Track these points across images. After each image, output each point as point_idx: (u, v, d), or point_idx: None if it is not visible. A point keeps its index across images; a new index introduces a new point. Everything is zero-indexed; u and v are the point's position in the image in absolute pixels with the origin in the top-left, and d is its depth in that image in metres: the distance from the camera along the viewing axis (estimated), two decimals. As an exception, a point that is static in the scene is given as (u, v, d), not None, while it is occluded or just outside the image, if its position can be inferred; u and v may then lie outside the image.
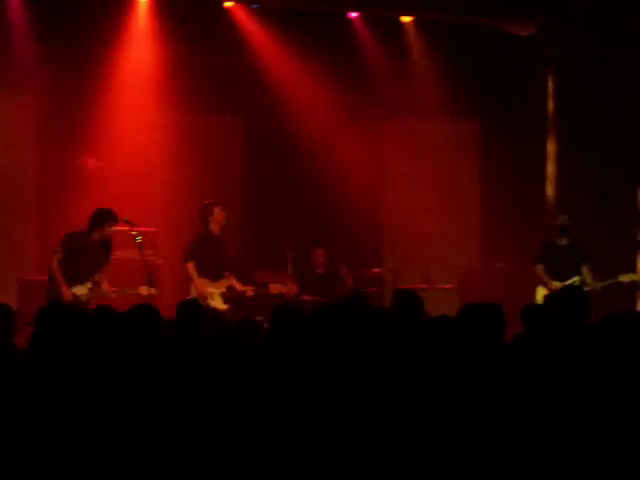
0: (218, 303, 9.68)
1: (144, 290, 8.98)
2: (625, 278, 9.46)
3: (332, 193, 11.80)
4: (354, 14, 11.62)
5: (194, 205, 11.45)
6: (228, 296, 9.79)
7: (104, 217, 8.91)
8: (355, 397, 4.06)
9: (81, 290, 8.88)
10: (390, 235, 12.52)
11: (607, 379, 4.35)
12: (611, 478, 3.88)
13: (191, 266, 9.62)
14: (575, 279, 9.43)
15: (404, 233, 12.35)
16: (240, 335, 4.81)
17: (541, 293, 9.58)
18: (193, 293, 9.61)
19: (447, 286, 11.59)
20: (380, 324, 4.84)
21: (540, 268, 9.70)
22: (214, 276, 9.77)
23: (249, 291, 9.89)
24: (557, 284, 9.35)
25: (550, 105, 11.83)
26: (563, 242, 9.77)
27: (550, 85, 11.81)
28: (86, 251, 8.89)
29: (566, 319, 5.41)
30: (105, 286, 9.04)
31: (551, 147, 11.83)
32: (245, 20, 11.27)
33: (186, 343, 4.71)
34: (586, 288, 9.10)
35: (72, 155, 10.81)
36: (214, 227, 9.85)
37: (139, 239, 9.00)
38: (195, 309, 5.26)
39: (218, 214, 9.83)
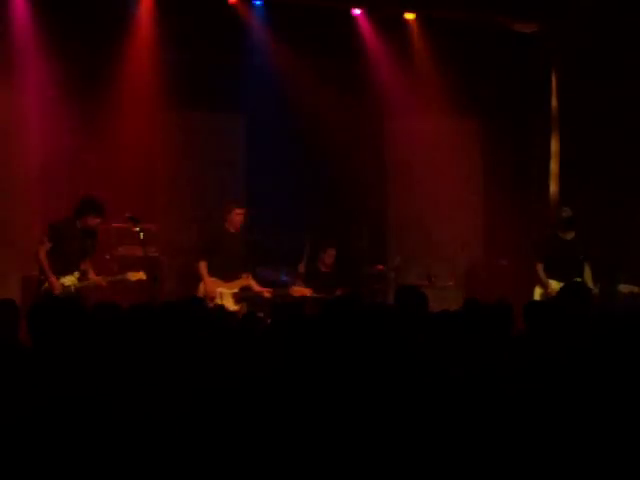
0: (229, 303, 9.58)
1: (132, 275, 9.00)
2: (625, 288, 9.30)
3: (334, 190, 11.80)
4: (358, 11, 11.63)
5: (197, 202, 11.49)
6: (242, 297, 9.69)
7: (87, 207, 8.90)
8: (357, 395, 4.06)
9: (69, 280, 8.87)
10: (393, 233, 12.52)
11: (610, 377, 4.35)
12: (613, 477, 3.87)
13: (202, 265, 9.56)
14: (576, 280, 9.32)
15: (407, 231, 12.34)
16: (240, 330, 4.83)
17: (539, 291, 9.51)
18: (200, 292, 9.54)
19: (450, 283, 11.58)
20: (377, 321, 4.85)
21: (540, 267, 9.57)
22: (227, 276, 9.67)
23: (266, 292, 9.84)
24: (555, 285, 9.24)
25: (553, 102, 11.82)
26: (568, 236, 9.64)
27: (553, 82, 11.80)
28: (72, 240, 8.88)
29: (569, 316, 5.41)
30: (92, 275, 9.04)
31: (554, 145, 11.81)
32: (248, 17, 11.28)
33: (186, 338, 4.71)
34: None
35: (77, 152, 10.80)
36: (230, 227, 9.80)
37: (142, 236, 8.99)
38: (197, 304, 5.27)
39: (235, 217, 9.77)
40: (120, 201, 10.47)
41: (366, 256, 11.84)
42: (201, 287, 9.58)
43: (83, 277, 8.97)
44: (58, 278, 8.79)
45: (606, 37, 11.10)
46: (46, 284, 8.76)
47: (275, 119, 11.59)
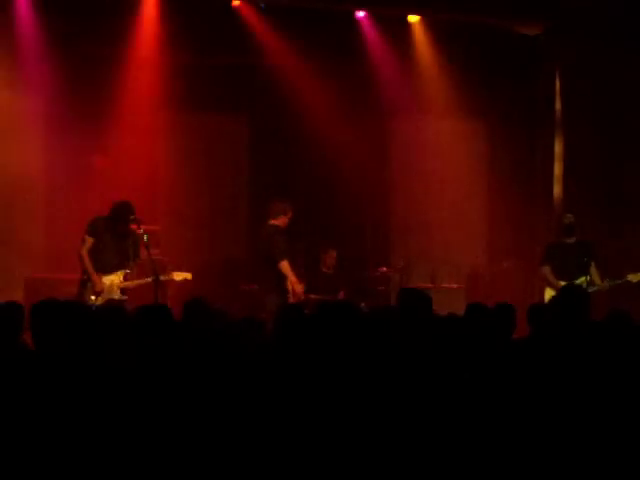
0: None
1: (177, 275, 8.88)
2: (634, 278, 9.41)
3: (339, 192, 11.79)
4: (361, 13, 11.63)
5: (199, 203, 11.49)
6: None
7: (120, 216, 8.76)
8: (359, 398, 4.05)
9: (110, 280, 8.77)
10: (397, 234, 12.51)
11: (610, 378, 4.34)
12: (615, 477, 3.87)
13: (287, 264, 9.15)
14: (582, 279, 9.39)
15: (411, 232, 12.34)
16: (243, 333, 4.82)
17: (550, 294, 9.54)
18: (290, 289, 9.12)
19: (453, 286, 11.57)
20: (379, 323, 4.85)
21: (547, 269, 9.71)
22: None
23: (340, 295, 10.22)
24: (564, 285, 9.30)
25: (557, 104, 11.83)
26: (570, 241, 9.76)
27: (557, 84, 11.80)
28: (112, 238, 8.78)
29: (567, 318, 5.40)
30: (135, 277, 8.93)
31: (558, 146, 11.82)
32: (252, 19, 11.28)
33: (191, 342, 4.72)
34: (594, 288, 9.13)
35: (79, 153, 10.82)
36: (279, 222, 9.39)
37: (145, 237, 8.94)
38: (200, 308, 5.26)
39: (288, 219, 9.40)
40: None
41: (369, 258, 11.83)
42: (289, 285, 9.14)
43: (128, 276, 8.85)
44: (101, 277, 8.69)
45: (610, 40, 11.09)
46: (89, 283, 8.68)
47: (278, 120, 11.60)
